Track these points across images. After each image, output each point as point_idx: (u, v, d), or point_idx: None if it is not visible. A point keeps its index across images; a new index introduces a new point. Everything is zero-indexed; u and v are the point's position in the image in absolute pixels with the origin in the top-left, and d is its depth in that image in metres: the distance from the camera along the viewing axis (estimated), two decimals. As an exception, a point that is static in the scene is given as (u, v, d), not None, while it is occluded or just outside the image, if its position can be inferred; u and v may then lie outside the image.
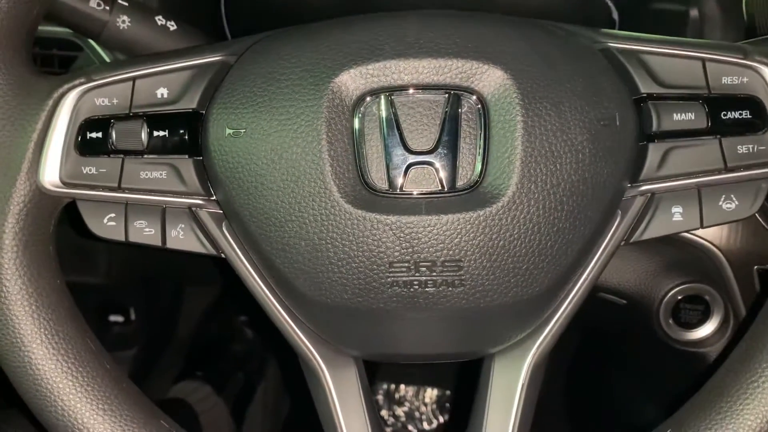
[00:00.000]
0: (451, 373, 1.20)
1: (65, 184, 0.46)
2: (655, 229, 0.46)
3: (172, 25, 0.59)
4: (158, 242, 0.47)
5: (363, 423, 0.48)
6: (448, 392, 1.23)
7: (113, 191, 0.46)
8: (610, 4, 0.74)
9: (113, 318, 1.03)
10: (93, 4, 0.56)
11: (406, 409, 1.24)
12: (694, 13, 0.68)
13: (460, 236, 0.42)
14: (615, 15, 0.74)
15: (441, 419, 1.23)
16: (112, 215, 0.47)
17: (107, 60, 0.64)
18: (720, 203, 0.46)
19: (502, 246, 0.43)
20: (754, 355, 0.45)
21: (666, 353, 0.71)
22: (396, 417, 1.24)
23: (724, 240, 0.66)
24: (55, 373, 0.45)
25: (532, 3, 0.72)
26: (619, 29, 0.73)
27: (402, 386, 1.24)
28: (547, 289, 0.45)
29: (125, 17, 0.57)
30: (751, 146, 0.45)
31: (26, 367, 0.45)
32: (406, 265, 0.43)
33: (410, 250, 0.43)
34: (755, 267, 0.66)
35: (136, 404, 0.47)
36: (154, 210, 0.47)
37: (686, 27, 0.68)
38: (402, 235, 0.42)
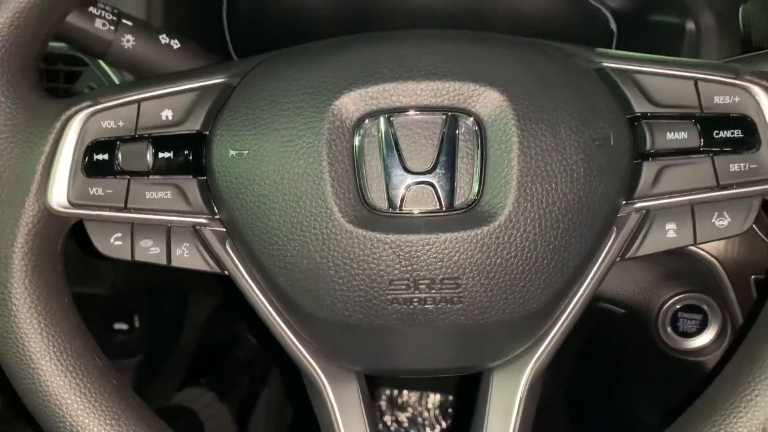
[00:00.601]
0: (454, 379, 1.20)
1: (73, 205, 0.47)
2: (649, 246, 0.47)
3: (176, 44, 0.60)
4: (163, 261, 0.48)
5: None
6: (450, 397, 1.23)
7: (119, 211, 0.47)
8: (609, 15, 0.75)
9: (117, 326, 1.04)
10: (98, 24, 0.56)
11: (409, 414, 1.24)
12: (690, 25, 0.69)
13: (458, 254, 0.43)
14: (613, 26, 0.75)
15: (444, 424, 1.24)
16: (119, 235, 0.48)
17: (112, 76, 0.65)
18: (713, 220, 0.47)
19: (499, 264, 0.44)
20: (747, 368, 0.45)
21: (665, 362, 0.72)
22: (399, 422, 1.24)
23: (721, 250, 0.66)
24: (64, 389, 0.46)
25: (532, 16, 0.73)
26: (618, 40, 0.75)
27: (405, 392, 1.24)
28: (544, 305, 0.46)
29: (130, 36, 0.58)
30: (742, 164, 0.46)
31: (36, 383, 0.46)
32: (406, 282, 0.44)
33: (410, 267, 0.43)
34: (752, 276, 0.66)
35: (144, 419, 0.48)
36: (160, 229, 0.47)
37: (683, 39, 0.69)
38: (401, 253, 0.43)
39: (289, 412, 1.15)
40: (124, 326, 1.05)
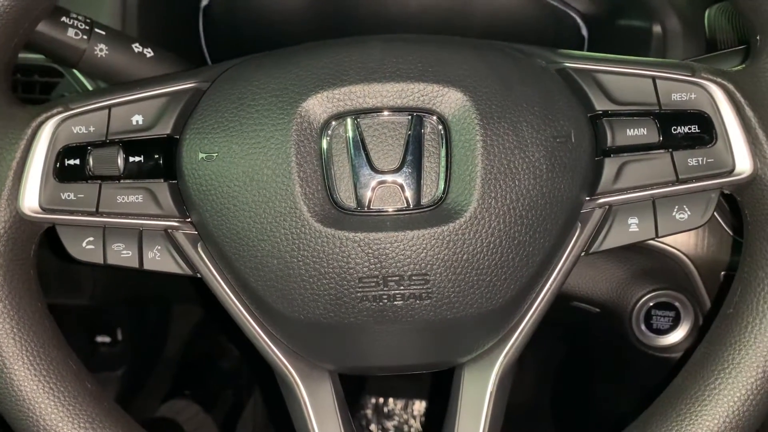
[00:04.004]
0: (439, 387, 1.20)
1: (44, 210, 0.47)
2: (612, 240, 0.48)
3: (148, 52, 0.60)
4: (135, 264, 0.48)
5: None
6: (436, 405, 1.23)
7: (91, 216, 0.47)
8: (579, 21, 0.76)
9: (100, 339, 1.04)
10: (71, 33, 0.57)
11: (395, 422, 1.24)
12: (657, 28, 0.70)
13: (425, 251, 0.44)
14: (584, 32, 0.76)
15: (429, 432, 1.24)
16: (91, 239, 0.48)
17: (88, 86, 0.66)
18: (673, 214, 0.48)
19: (465, 259, 0.44)
20: (710, 359, 0.46)
21: (639, 359, 0.73)
22: (385, 430, 1.24)
23: (692, 247, 0.68)
24: (37, 393, 0.46)
25: (506, 21, 0.75)
26: (588, 45, 0.76)
27: (390, 400, 1.24)
28: (511, 299, 0.46)
29: (102, 45, 0.58)
30: (700, 159, 0.47)
31: (8, 387, 0.46)
32: (375, 279, 0.44)
33: (378, 265, 0.44)
34: (722, 273, 0.68)
35: (118, 422, 0.48)
36: (131, 233, 0.48)
37: (650, 42, 0.71)
38: (370, 251, 0.44)
39: (273, 423, 1.15)
40: (106, 339, 1.04)
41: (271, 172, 0.44)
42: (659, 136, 0.47)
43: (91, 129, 0.47)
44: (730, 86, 0.47)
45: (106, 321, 1.04)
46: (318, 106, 0.45)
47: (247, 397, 1.16)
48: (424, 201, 0.45)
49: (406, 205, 0.45)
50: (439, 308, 0.45)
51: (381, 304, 0.45)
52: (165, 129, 0.47)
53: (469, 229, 0.44)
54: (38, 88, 0.69)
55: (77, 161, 0.47)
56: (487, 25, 0.75)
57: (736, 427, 0.45)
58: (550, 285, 0.48)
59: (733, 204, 0.55)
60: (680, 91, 0.47)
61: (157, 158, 0.47)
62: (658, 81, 0.47)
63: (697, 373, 0.46)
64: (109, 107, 0.47)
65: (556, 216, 0.46)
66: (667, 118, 0.47)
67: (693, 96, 0.47)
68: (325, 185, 0.45)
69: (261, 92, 0.45)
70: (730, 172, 0.47)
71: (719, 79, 0.47)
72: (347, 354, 0.49)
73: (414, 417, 1.24)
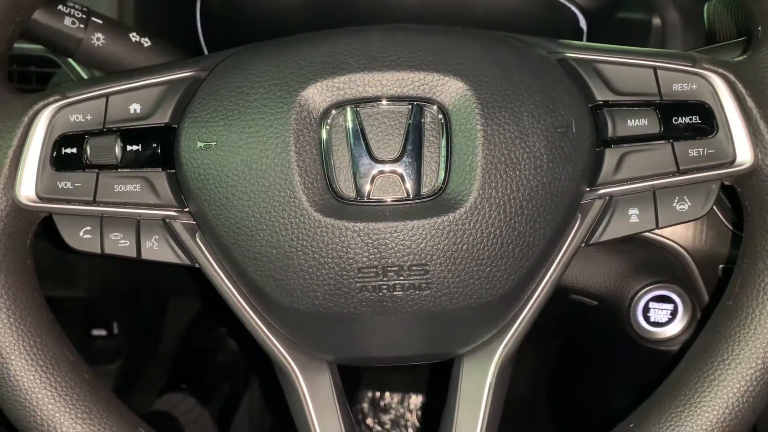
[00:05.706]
0: (436, 380, 1.21)
1: (41, 199, 0.47)
2: (613, 231, 0.48)
3: (146, 42, 0.60)
4: (133, 254, 0.48)
5: (337, 427, 0.49)
6: (433, 399, 1.23)
7: (88, 205, 0.47)
8: (578, 13, 0.76)
9: (96, 332, 1.04)
10: (68, 22, 0.56)
11: (391, 416, 1.25)
12: (656, 21, 0.70)
13: (425, 241, 0.44)
14: (583, 24, 0.76)
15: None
16: (88, 228, 0.48)
17: (84, 76, 0.65)
18: (674, 204, 0.48)
19: (465, 250, 0.44)
20: (709, 350, 0.46)
21: (638, 352, 0.73)
22: (381, 424, 1.24)
23: (690, 240, 0.68)
24: (34, 383, 0.46)
25: (505, 14, 0.74)
26: (587, 37, 0.76)
27: (387, 393, 1.25)
28: (510, 290, 0.46)
29: (100, 35, 0.58)
30: (701, 149, 0.47)
31: (5, 377, 0.46)
32: (375, 270, 0.44)
33: (378, 255, 0.44)
34: (720, 266, 0.68)
35: (115, 412, 0.48)
36: (129, 222, 0.48)
37: (649, 34, 0.71)
38: (370, 241, 0.44)
39: (270, 417, 1.15)
40: (102, 332, 1.04)
41: (270, 162, 0.44)
42: (660, 127, 0.47)
43: (89, 117, 0.47)
44: (732, 77, 0.46)
45: (102, 314, 1.03)
46: (317, 94, 0.44)
47: (243, 391, 1.16)
48: (424, 191, 0.45)
49: (405, 195, 0.45)
50: (438, 299, 0.45)
51: (380, 294, 0.45)
52: (163, 118, 0.47)
53: (469, 220, 0.44)
54: (34, 78, 0.68)
55: (74, 150, 0.47)
56: (487, 18, 0.75)
57: (735, 418, 0.45)
58: (550, 276, 0.48)
59: (733, 197, 0.55)
60: (681, 81, 0.47)
61: (155, 147, 0.47)
62: (659, 71, 0.47)
63: (696, 365, 0.46)
64: (107, 96, 0.47)
65: (557, 206, 0.46)
66: (668, 109, 0.47)
67: (694, 86, 0.47)
68: (325, 175, 0.44)
69: (260, 81, 0.45)
70: (731, 163, 0.47)
71: (721, 70, 0.47)
72: (346, 345, 0.49)
73: (410, 411, 1.24)
